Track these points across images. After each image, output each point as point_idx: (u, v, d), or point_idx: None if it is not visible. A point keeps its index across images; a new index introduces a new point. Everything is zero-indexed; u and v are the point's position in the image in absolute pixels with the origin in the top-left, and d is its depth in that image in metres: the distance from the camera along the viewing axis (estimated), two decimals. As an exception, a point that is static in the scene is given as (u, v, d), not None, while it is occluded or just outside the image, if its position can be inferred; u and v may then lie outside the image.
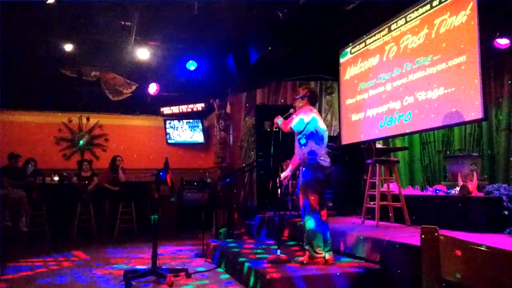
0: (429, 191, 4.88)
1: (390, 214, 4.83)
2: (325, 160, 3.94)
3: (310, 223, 3.86)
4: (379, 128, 5.73)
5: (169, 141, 9.73)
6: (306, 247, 3.89)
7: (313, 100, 4.20)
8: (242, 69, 7.48)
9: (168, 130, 9.72)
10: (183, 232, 8.28)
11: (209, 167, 9.63)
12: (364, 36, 6.13)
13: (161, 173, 4.40)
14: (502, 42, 5.46)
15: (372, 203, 4.93)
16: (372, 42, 5.96)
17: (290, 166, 4.31)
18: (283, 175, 4.35)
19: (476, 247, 2.46)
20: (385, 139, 6.64)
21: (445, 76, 4.63)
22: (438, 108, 4.70)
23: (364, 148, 6.21)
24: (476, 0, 4.28)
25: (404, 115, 5.25)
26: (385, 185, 4.95)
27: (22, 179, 7.47)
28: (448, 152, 6.27)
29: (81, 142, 9.19)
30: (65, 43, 6.97)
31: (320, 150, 3.94)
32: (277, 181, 4.37)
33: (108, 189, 8.02)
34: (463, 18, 4.43)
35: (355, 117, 6.29)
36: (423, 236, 2.85)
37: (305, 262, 3.86)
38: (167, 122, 9.71)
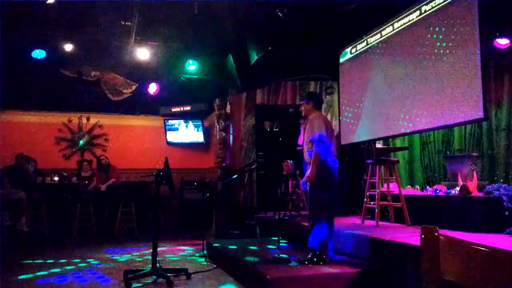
0: (429, 191, 4.88)
1: (390, 214, 4.84)
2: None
3: (319, 223, 3.88)
4: (379, 128, 5.73)
5: (169, 141, 9.73)
6: (312, 247, 3.90)
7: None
8: (242, 69, 7.48)
9: (168, 130, 9.72)
10: (183, 232, 8.27)
11: (209, 167, 9.63)
12: (364, 36, 6.13)
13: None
14: (502, 42, 5.46)
15: (372, 203, 4.93)
16: (372, 42, 5.96)
17: None
18: None
19: (476, 247, 2.46)
20: (385, 139, 6.63)
21: (445, 76, 4.63)
22: (438, 108, 4.70)
23: (364, 148, 6.20)
24: (477, 0, 4.28)
25: (404, 115, 5.25)
26: (385, 185, 4.95)
27: (23, 180, 7.46)
28: (448, 152, 6.26)
29: (81, 142, 9.19)
30: (65, 43, 6.97)
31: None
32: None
33: (106, 187, 7.99)
34: (463, 18, 4.43)
35: (355, 117, 6.28)
36: (423, 236, 2.85)
37: (306, 262, 3.86)
38: (167, 122, 9.71)
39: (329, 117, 8.16)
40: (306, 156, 4.07)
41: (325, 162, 3.91)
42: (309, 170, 3.90)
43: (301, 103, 4.28)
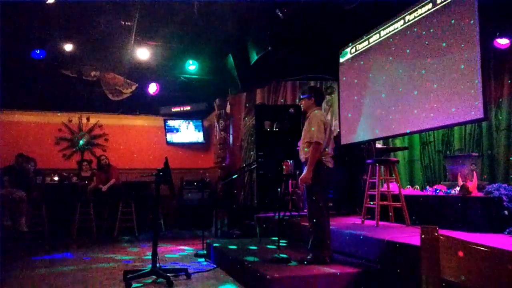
0: (429, 191, 4.88)
1: (390, 214, 4.83)
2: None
3: (318, 223, 3.87)
4: (379, 128, 5.73)
5: (169, 141, 9.73)
6: (313, 248, 3.90)
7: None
8: (242, 69, 7.48)
9: (168, 130, 9.73)
10: (183, 232, 8.28)
11: (209, 167, 9.63)
12: (364, 36, 6.13)
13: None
14: (502, 42, 5.46)
15: (372, 203, 4.93)
16: (372, 41, 5.95)
17: None
18: None
19: (476, 247, 2.46)
20: (385, 139, 6.63)
21: (445, 76, 4.62)
22: (438, 108, 4.70)
23: (364, 148, 6.21)
24: (477, 0, 4.28)
25: (404, 115, 5.24)
26: (385, 185, 4.95)
27: (24, 179, 7.47)
28: (448, 152, 6.27)
29: (81, 142, 9.19)
30: (65, 43, 6.98)
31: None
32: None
33: (107, 188, 7.99)
34: (463, 18, 4.43)
35: (355, 117, 6.28)
36: (423, 236, 2.85)
37: (306, 262, 3.86)
38: (167, 122, 9.72)
39: (329, 117, 8.17)
40: (302, 155, 4.04)
41: (321, 163, 3.89)
42: (305, 172, 3.87)
43: (301, 97, 4.21)
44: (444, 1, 4.69)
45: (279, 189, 6.17)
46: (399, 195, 4.62)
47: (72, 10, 6.09)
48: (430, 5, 4.92)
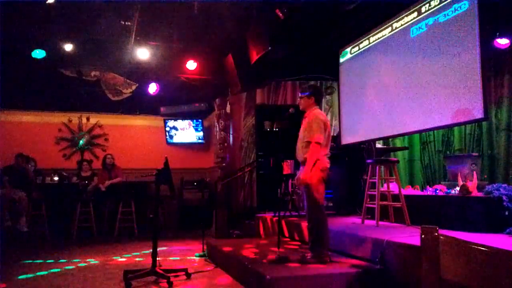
0: (429, 191, 4.88)
1: (390, 214, 4.84)
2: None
3: (318, 223, 3.87)
4: (379, 128, 5.73)
5: (169, 141, 9.74)
6: (313, 247, 3.89)
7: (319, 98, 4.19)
8: (242, 69, 7.48)
9: (168, 130, 9.73)
10: (183, 231, 8.28)
11: (209, 167, 9.64)
12: (364, 35, 6.13)
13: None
14: (502, 42, 5.47)
15: (372, 203, 4.93)
16: (372, 41, 5.95)
17: None
18: None
19: (476, 247, 2.46)
20: (385, 139, 6.63)
21: (445, 76, 4.62)
22: (438, 108, 4.70)
23: (364, 148, 6.21)
24: (477, 0, 4.28)
25: (404, 115, 5.24)
26: (385, 185, 4.95)
27: (23, 180, 7.47)
28: (448, 152, 6.27)
29: (81, 142, 9.19)
30: (65, 43, 6.98)
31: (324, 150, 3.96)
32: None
33: (106, 187, 7.98)
34: (463, 18, 4.43)
35: (355, 117, 6.28)
36: (423, 236, 2.86)
37: (306, 262, 3.86)
38: (167, 122, 9.72)
39: (329, 117, 8.17)
40: (300, 155, 4.02)
41: (320, 164, 3.89)
42: (303, 172, 3.85)
43: (300, 95, 4.15)
44: (444, 1, 4.68)
45: (279, 189, 6.17)
46: (399, 195, 4.62)
47: (72, 10, 6.09)
48: (430, 5, 4.91)
